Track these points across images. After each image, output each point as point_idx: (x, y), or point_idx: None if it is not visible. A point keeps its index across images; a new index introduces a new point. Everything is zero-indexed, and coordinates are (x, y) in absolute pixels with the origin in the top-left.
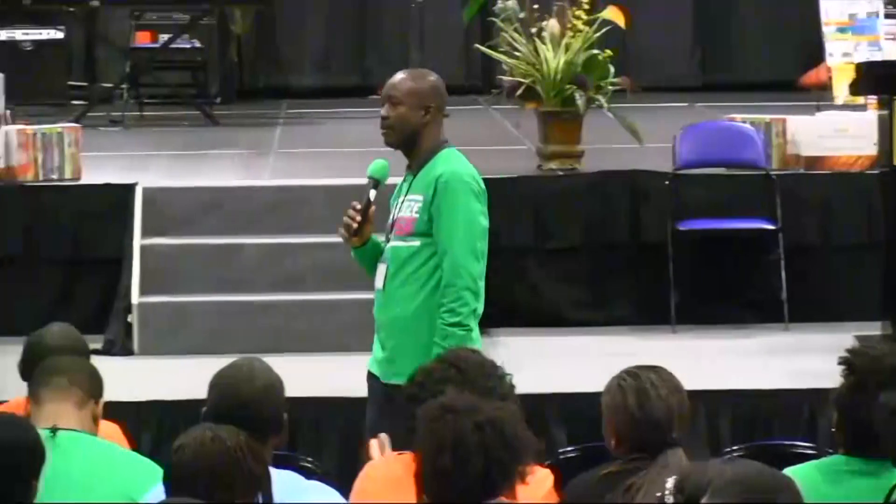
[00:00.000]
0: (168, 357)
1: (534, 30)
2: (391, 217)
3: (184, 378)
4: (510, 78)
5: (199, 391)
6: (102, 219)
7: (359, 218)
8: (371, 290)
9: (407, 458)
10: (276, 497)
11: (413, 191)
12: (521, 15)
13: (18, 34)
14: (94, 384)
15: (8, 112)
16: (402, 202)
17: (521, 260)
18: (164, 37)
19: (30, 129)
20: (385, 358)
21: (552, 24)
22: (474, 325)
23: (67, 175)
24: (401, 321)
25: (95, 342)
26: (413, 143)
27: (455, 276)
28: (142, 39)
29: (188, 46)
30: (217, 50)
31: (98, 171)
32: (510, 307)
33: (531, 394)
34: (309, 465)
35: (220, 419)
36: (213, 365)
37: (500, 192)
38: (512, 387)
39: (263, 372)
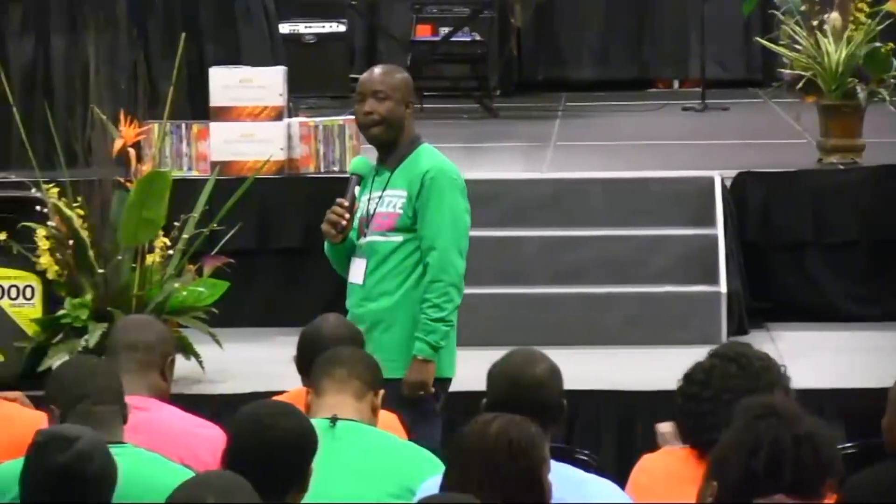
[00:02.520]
0: None
1: (815, 22)
2: (365, 211)
3: (464, 369)
4: (790, 71)
5: (478, 383)
6: None
7: (347, 215)
8: (657, 284)
9: (682, 452)
10: (554, 490)
11: (393, 186)
12: (802, 8)
13: (301, 27)
14: (373, 375)
15: (290, 104)
16: (381, 197)
17: (800, 254)
18: (444, 30)
19: (311, 121)
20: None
21: (834, 17)
22: (455, 321)
23: (348, 167)
24: (381, 315)
25: None
26: (395, 138)
27: (442, 271)
28: (422, 32)
29: (468, 39)
30: (497, 43)
31: None
32: (788, 301)
33: (808, 389)
34: (585, 458)
35: (500, 408)
36: (493, 357)
37: (779, 187)
38: (789, 380)
39: (543, 360)
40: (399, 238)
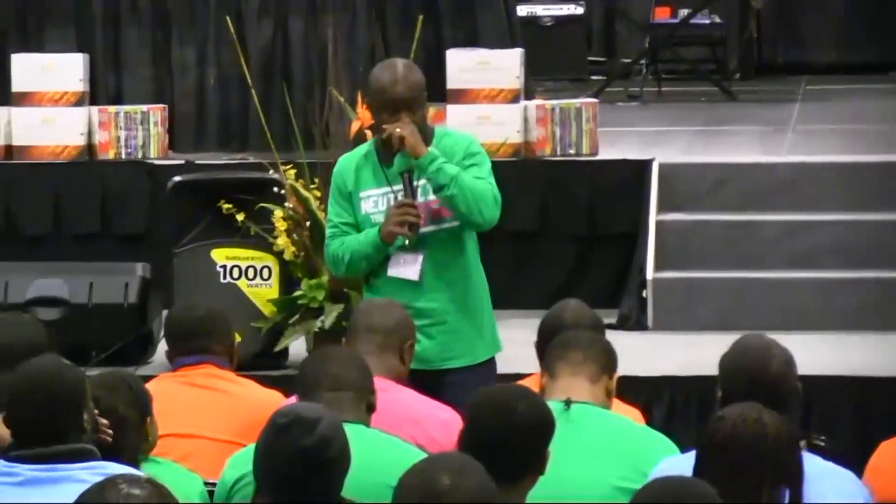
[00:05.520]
0: (682, 332)
1: None
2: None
3: (697, 354)
4: None
5: (712, 368)
6: (618, 194)
7: (420, 213)
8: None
9: None
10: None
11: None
12: None
13: (539, 10)
14: (608, 359)
15: (527, 87)
16: (418, 187)
17: None
18: (683, 12)
19: (548, 103)
20: (437, 345)
21: None
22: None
23: (584, 150)
24: (462, 303)
25: (609, 316)
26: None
27: (499, 202)
28: (661, 15)
29: (707, 22)
30: (736, 25)
31: (615, 147)
32: None
33: None
34: (822, 444)
35: (736, 399)
36: (726, 342)
37: None
38: None
39: (778, 353)
40: (456, 222)
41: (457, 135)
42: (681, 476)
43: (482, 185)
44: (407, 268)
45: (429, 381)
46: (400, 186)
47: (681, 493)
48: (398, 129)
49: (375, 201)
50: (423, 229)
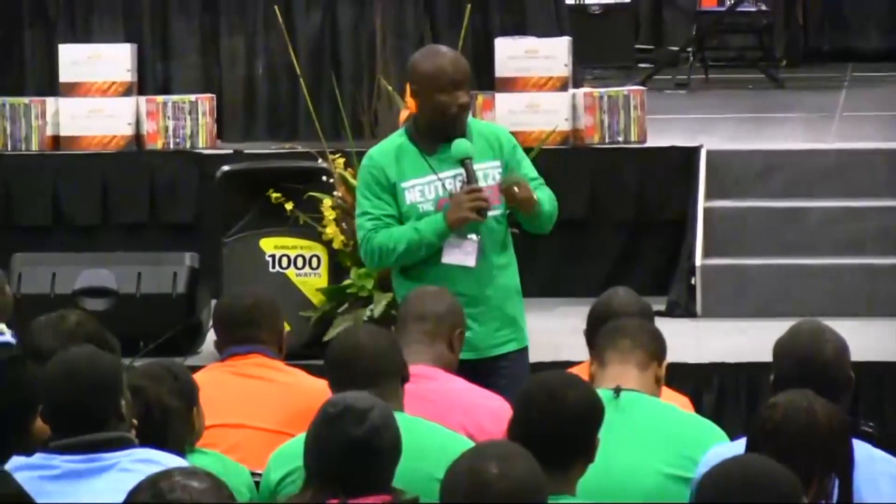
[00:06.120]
0: (730, 319)
1: None
2: (444, 192)
3: (746, 340)
4: None
5: (761, 354)
6: (666, 181)
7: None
8: None
9: None
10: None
11: (480, 160)
12: None
13: None
14: (657, 346)
15: (576, 75)
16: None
17: None
18: (730, 0)
19: (596, 91)
20: (490, 331)
21: None
22: None
23: (632, 138)
24: (510, 288)
25: (658, 304)
26: None
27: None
28: (708, 3)
29: (754, 10)
30: (783, 12)
31: (663, 134)
32: None
33: None
34: (870, 431)
35: (789, 385)
36: (775, 328)
37: None
38: None
39: (831, 338)
40: (501, 210)
41: (490, 124)
42: (759, 456)
43: (551, 199)
44: (463, 255)
45: (481, 369)
46: (447, 173)
47: (757, 476)
48: (517, 189)
49: (422, 190)
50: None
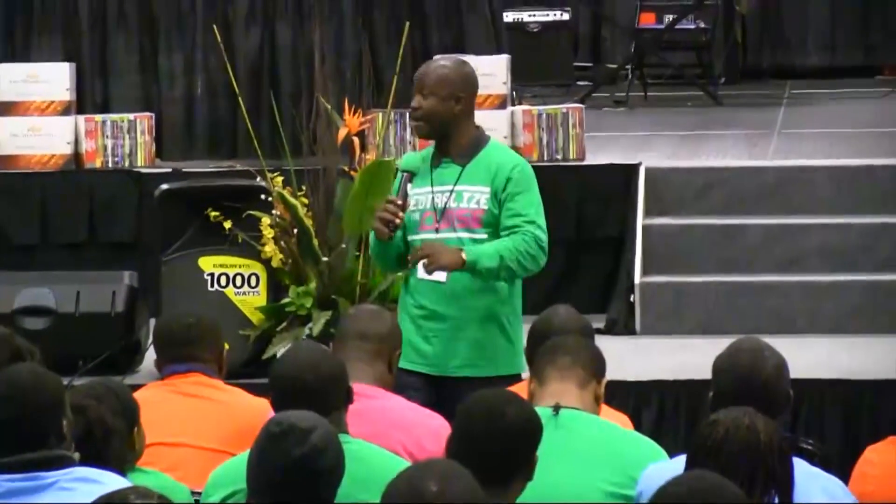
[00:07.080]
0: (670, 337)
1: None
2: (429, 205)
3: (685, 358)
4: None
5: (700, 372)
6: (605, 199)
7: (401, 213)
8: (882, 272)
9: None
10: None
11: (470, 181)
12: None
13: (525, 16)
14: (597, 364)
15: (514, 93)
16: (453, 191)
17: None
18: (668, 17)
19: (534, 109)
20: (448, 350)
21: None
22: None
23: (571, 156)
24: (481, 312)
25: (597, 321)
26: (447, 134)
27: (543, 243)
28: (646, 20)
29: (693, 27)
30: (721, 30)
31: (602, 152)
32: None
33: None
34: (809, 448)
35: (728, 402)
36: (714, 345)
37: None
38: None
39: (771, 356)
40: (485, 235)
41: (507, 154)
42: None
43: (525, 243)
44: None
45: (445, 391)
46: (441, 187)
47: (708, 493)
48: (426, 252)
49: (417, 200)
50: (448, 234)
